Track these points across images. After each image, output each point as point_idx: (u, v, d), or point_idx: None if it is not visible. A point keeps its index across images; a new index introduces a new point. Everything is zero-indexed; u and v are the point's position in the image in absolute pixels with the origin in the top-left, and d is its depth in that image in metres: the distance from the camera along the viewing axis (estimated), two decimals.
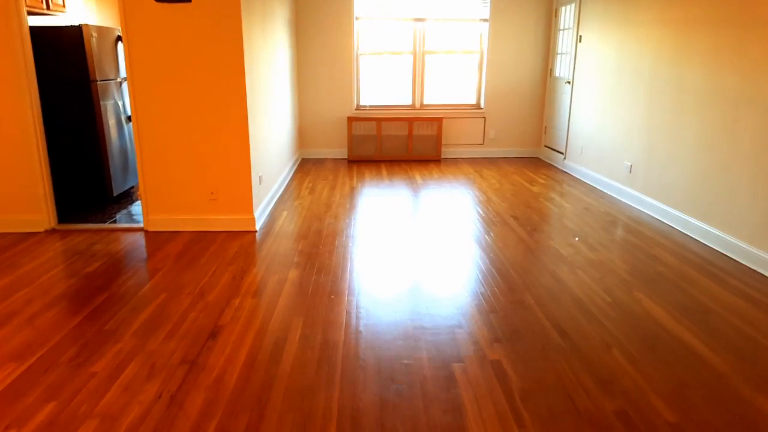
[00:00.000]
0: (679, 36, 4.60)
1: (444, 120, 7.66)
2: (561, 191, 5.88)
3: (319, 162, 7.51)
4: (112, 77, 5.28)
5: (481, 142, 7.82)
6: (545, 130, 7.70)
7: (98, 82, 5.01)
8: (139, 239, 4.34)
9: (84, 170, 5.20)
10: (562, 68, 7.11)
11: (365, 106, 7.74)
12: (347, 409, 2.26)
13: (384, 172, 6.88)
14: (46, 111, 5.01)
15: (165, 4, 4.09)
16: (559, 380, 2.46)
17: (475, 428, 2.15)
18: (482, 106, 7.74)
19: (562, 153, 7.07)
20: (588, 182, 6.26)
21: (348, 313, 3.10)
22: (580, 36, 6.48)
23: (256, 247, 4.17)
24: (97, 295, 3.33)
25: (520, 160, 7.64)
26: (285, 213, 5.07)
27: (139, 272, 3.68)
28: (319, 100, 7.59)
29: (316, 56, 7.43)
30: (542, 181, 6.34)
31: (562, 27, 7.09)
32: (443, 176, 6.62)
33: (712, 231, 4.17)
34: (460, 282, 3.53)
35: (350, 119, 7.49)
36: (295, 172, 6.83)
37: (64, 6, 5.37)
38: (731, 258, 3.94)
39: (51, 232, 4.51)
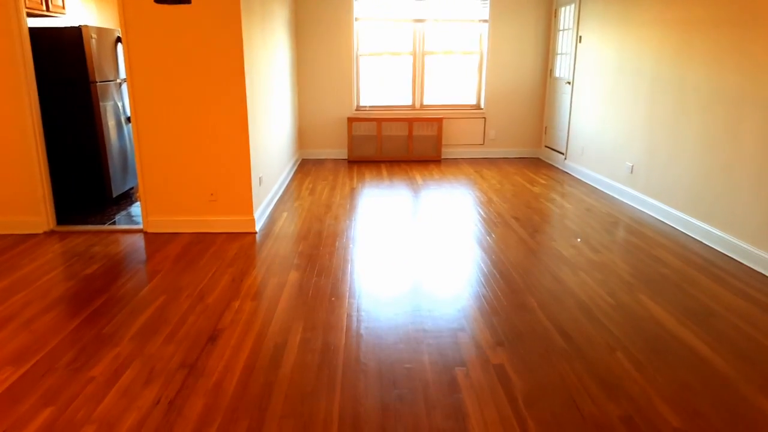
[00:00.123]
0: (680, 36, 4.57)
1: (444, 120, 7.64)
2: (562, 192, 5.85)
3: (319, 162, 7.48)
4: (111, 78, 5.25)
5: (482, 143, 7.80)
6: (545, 130, 7.67)
7: (98, 83, 4.98)
8: (139, 241, 4.31)
9: (83, 171, 5.17)
10: (562, 68, 7.08)
11: (365, 107, 7.71)
12: (348, 415, 2.23)
13: (384, 172, 6.85)
14: (46, 112, 4.98)
15: (165, 6, 4.07)
16: (563, 384, 2.43)
17: None
18: (482, 106, 7.71)
19: (562, 153, 7.04)
20: (589, 183, 6.23)
21: (349, 315, 3.07)
22: (580, 36, 6.45)
23: (255, 248, 4.14)
24: (95, 297, 3.30)
25: (520, 161, 7.62)
26: (285, 214, 5.04)
27: (138, 274, 3.65)
28: (319, 101, 7.56)
29: (316, 57, 7.41)
30: (543, 182, 6.31)
31: (561, 27, 7.06)
32: (444, 177, 6.59)
33: (715, 232, 4.14)
34: (462, 284, 3.50)
35: (350, 120, 7.46)
36: (295, 173, 6.80)
37: (63, 7, 5.35)
38: (733, 259, 3.92)
39: (50, 233, 4.48)
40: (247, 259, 3.92)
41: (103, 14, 6.28)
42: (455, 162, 7.53)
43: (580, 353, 2.68)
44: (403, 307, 3.18)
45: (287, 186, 6.14)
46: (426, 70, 7.63)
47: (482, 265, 3.82)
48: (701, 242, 4.27)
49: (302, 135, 7.69)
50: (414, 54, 7.56)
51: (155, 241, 4.31)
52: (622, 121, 5.53)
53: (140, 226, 4.60)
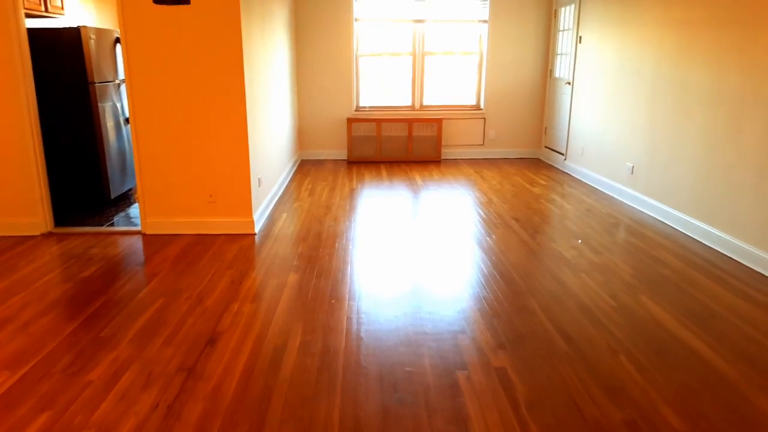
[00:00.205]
0: (681, 36, 4.56)
1: (444, 121, 7.62)
2: (562, 192, 5.83)
3: (318, 163, 7.46)
4: (110, 79, 5.22)
5: (481, 143, 7.78)
6: (545, 130, 7.65)
7: (96, 84, 4.96)
8: (137, 242, 4.29)
9: (81, 172, 5.14)
10: (562, 69, 7.06)
11: (365, 107, 7.69)
12: (349, 419, 2.21)
13: (384, 173, 6.83)
14: (44, 113, 4.95)
15: (164, 6, 4.04)
16: (565, 388, 2.41)
17: None
18: (482, 106, 7.69)
19: (562, 154, 7.03)
20: (589, 183, 6.21)
21: (349, 318, 3.05)
22: (580, 37, 6.43)
23: (255, 250, 4.12)
24: (93, 300, 3.28)
25: (520, 161, 7.60)
26: (284, 215, 5.01)
27: (136, 276, 3.62)
28: (318, 101, 7.54)
29: (316, 57, 7.38)
30: (543, 182, 6.29)
31: (561, 28, 7.05)
32: (443, 177, 6.57)
33: (716, 233, 4.12)
34: (462, 286, 3.48)
35: (350, 120, 7.44)
36: (294, 174, 6.78)
37: (62, 8, 5.32)
38: (734, 260, 3.90)
39: (47, 235, 4.45)
40: (247, 261, 3.89)
41: (102, 15, 6.25)
42: (455, 163, 7.51)
43: (581, 355, 2.66)
44: (403, 309, 3.15)
45: (286, 187, 6.12)
46: (426, 70, 7.61)
47: (482, 266, 3.80)
48: (702, 243, 4.25)
49: (302, 135, 7.67)
50: (414, 54, 7.54)
51: (154, 242, 4.29)
52: (623, 122, 5.51)
53: (139, 228, 4.57)
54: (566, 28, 6.89)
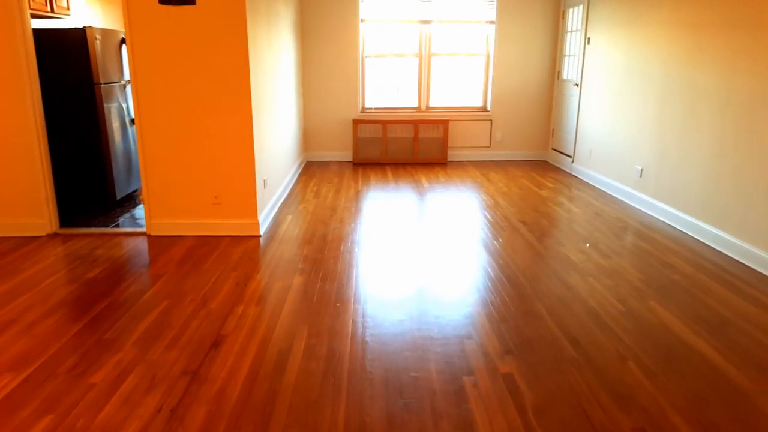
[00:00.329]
0: (690, 38, 4.51)
1: (450, 122, 7.58)
2: (570, 195, 5.79)
3: (324, 165, 7.44)
4: (116, 80, 5.22)
5: (488, 145, 7.74)
6: (552, 133, 7.61)
7: (102, 85, 4.95)
8: (142, 244, 4.27)
9: (87, 173, 5.14)
10: (569, 70, 7.02)
11: (370, 109, 7.67)
12: (354, 425, 2.18)
13: (389, 175, 6.80)
14: (50, 114, 4.95)
15: (169, 7, 4.03)
16: (573, 394, 2.37)
17: None
18: (488, 108, 7.65)
19: (570, 156, 6.98)
20: (597, 186, 6.16)
21: (354, 322, 3.02)
22: (589, 38, 6.39)
23: (260, 252, 4.10)
24: (97, 302, 3.27)
25: (527, 163, 7.55)
26: (289, 217, 4.99)
27: (141, 278, 3.61)
28: (324, 103, 7.52)
29: (322, 58, 7.37)
30: (550, 185, 6.25)
31: (569, 29, 7.00)
32: (450, 179, 6.54)
33: (726, 237, 4.07)
34: (469, 290, 3.45)
35: (355, 122, 7.42)
36: (299, 175, 6.76)
37: (68, 8, 5.32)
38: (746, 265, 3.85)
39: (52, 236, 4.45)
40: (252, 263, 3.87)
41: (108, 15, 6.26)
42: (461, 165, 7.48)
43: (590, 362, 2.62)
44: (409, 313, 3.12)
45: (292, 188, 6.10)
46: (432, 71, 7.58)
47: (489, 270, 3.77)
48: (712, 247, 4.20)
49: (307, 137, 7.65)
50: (420, 55, 7.51)
51: (158, 244, 4.27)
52: (631, 124, 5.47)
53: (144, 229, 4.56)
54: (574, 29, 6.85)
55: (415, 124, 7.43)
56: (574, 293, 3.39)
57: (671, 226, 4.72)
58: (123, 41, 5.37)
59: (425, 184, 6.33)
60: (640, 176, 5.29)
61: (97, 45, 4.87)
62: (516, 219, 4.94)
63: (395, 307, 3.20)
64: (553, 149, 7.59)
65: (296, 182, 6.41)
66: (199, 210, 4.44)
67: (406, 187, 6.14)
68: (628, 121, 5.52)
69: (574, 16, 6.83)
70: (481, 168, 7.23)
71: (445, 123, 7.44)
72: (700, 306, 3.23)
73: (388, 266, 3.83)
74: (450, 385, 2.44)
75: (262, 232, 4.53)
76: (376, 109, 7.67)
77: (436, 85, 7.64)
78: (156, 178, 4.38)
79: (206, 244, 4.27)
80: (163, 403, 2.32)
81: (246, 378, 2.50)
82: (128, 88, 5.49)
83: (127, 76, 5.46)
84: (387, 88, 7.69)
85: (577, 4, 6.70)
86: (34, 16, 4.85)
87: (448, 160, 7.71)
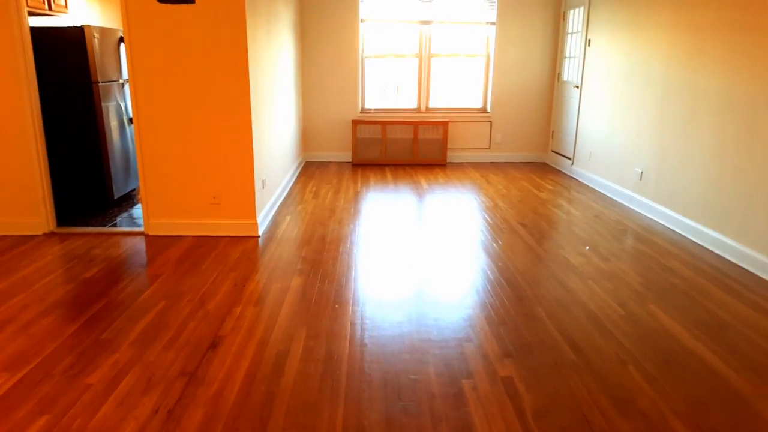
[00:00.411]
0: (691, 40, 4.50)
1: (450, 124, 7.57)
2: (569, 198, 5.78)
3: (323, 165, 7.42)
4: (114, 79, 5.20)
5: (487, 147, 7.73)
6: (552, 134, 7.60)
7: (100, 84, 4.93)
8: (139, 243, 4.25)
9: (85, 172, 5.11)
10: (570, 72, 7.01)
11: (370, 109, 7.65)
12: (352, 427, 2.17)
13: (389, 176, 6.78)
14: (47, 112, 4.92)
15: (168, 5, 4.01)
16: (573, 399, 2.36)
17: None
18: (488, 110, 7.64)
19: (569, 158, 6.97)
20: (597, 189, 6.15)
21: (352, 324, 3.00)
22: (589, 40, 6.38)
23: (258, 253, 4.08)
24: (94, 301, 3.24)
25: (526, 165, 7.54)
26: (288, 218, 4.97)
27: (138, 278, 3.59)
28: (323, 103, 7.50)
29: (321, 58, 7.35)
30: (550, 187, 6.23)
31: (570, 30, 7.00)
32: (449, 181, 6.53)
33: (727, 241, 4.06)
34: (468, 292, 3.43)
35: (355, 122, 7.40)
36: (298, 176, 6.75)
37: (66, 6, 5.30)
38: (745, 269, 3.83)
39: (50, 235, 4.42)
40: (250, 264, 3.85)
41: (106, 14, 6.24)
42: (461, 166, 7.46)
43: (590, 366, 2.61)
44: (407, 316, 3.11)
45: (291, 189, 6.08)
46: (432, 72, 7.57)
47: (488, 272, 3.75)
48: (712, 251, 4.19)
49: (306, 137, 7.63)
50: (420, 56, 7.50)
51: (156, 244, 4.25)
52: (632, 127, 5.46)
53: (141, 229, 4.54)
54: (575, 30, 6.84)
55: (415, 125, 7.41)
56: (573, 296, 3.38)
57: (671, 229, 4.71)
58: (121, 40, 5.35)
59: (424, 185, 6.31)
60: (640, 179, 5.28)
61: (95, 43, 4.85)
62: (515, 221, 4.92)
63: (394, 309, 3.18)
64: (552, 151, 7.58)
65: (295, 182, 6.39)
66: (198, 210, 4.42)
67: (405, 189, 6.13)
68: (629, 124, 5.51)
69: (575, 17, 6.82)
70: (481, 170, 7.22)
71: (444, 124, 7.43)
72: (699, 310, 3.22)
73: (387, 268, 3.81)
74: (449, 388, 2.42)
75: (260, 232, 4.51)
76: (375, 109, 7.66)
77: (435, 86, 7.63)
78: (154, 178, 4.35)
79: (204, 244, 4.25)
80: (160, 404, 2.30)
81: (244, 380, 2.48)
82: (126, 87, 5.47)
83: (125, 74, 5.44)
84: (387, 89, 7.68)
85: (578, 6, 6.69)
86: (31, 14, 4.83)
87: (448, 161, 7.69)
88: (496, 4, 7.26)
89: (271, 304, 3.24)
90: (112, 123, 5.16)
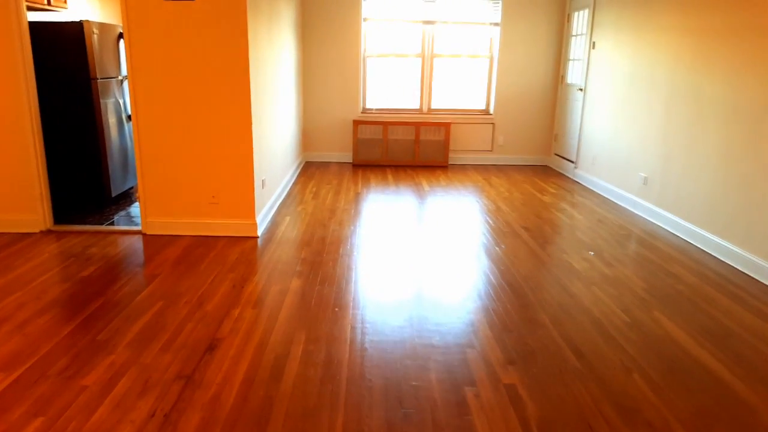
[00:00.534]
0: (698, 44, 4.46)
1: (452, 125, 7.52)
2: (572, 202, 5.74)
3: (323, 165, 7.38)
4: (113, 75, 5.15)
5: (490, 149, 7.68)
6: (555, 137, 7.56)
7: (99, 80, 4.88)
8: (137, 243, 4.20)
9: (82, 170, 5.06)
10: (574, 75, 6.97)
11: (371, 110, 7.61)
12: None
13: (390, 177, 6.74)
14: (45, 108, 4.88)
15: (168, 2, 3.96)
16: (577, 407, 2.31)
17: None
18: (491, 111, 7.60)
19: (573, 162, 6.93)
20: (600, 193, 6.11)
21: (353, 328, 2.96)
22: (594, 42, 6.34)
23: (257, 253, 4.03)
24: (91, 301, 3.20)
25: (529, 168, 7.50)
26: (288, 218, 4.93)
27: (135, 278, 3.54)
28: (324, 102, 7.46)
29: (323, 57, 7.30)
30: (553, 191, 6.19)
31: (574, 33, 6.96)
32: (451, 183, 6.48)
33: (731, 248, 4.02)
34: (471, 297, 3.38)
35: (356, 122, 7.35)
36: (298, 176, 6.70)
37: (65, 1, 5.25)
38: (750, 276, 3.79)
39: (46, 233, 4.37)
40: (249, 265, 3.81)
41: (106, 9, 6.19)
42: (462, 168, 7.42)
43: (594, 374, 2.56)
44: (409, 320, 3.06)
45: (290, 189, 6.04)
46: (434, 73, 7.52)
47: (491, 276, 3.71)
48: (717, 258, 4.14)
49: (307, 137, 7.58)
50: (422, 56, 7.45)
51: (154, 243, 4.20)
52: (636, 131, 5.42)
53: (139, 228, 4.49)
54: (579, 33, 6.80)
55: (417, 126, 7.37)
56: (577, 302, 3.33)
57: (675, 234, 4.67)
58: (120, 36, 5.30)
59: (426, 187, 6.27)
60: (644, 184, 5.23)
61: (94, 39, 4.80)
62: (518, 225, 4.88)
63: (395, 313, 3.14)
64: (555, 154, 7.54)
65: (295, 183, 6.34)
66: (196, 209, 4.37)
67: (406, 190, 6.08)
68: (633, 128, 5.47)
69: (580, 19, 6.78)
70: (483, 172, 7.18)
71: (446, 125, 7.38)
72: (704, 317, 3.17)
73: (387, 271, 3.76)
74: (451, 396, 2.37)
75: (259, 233, 4.46)
76: (377, 110, 7.61)
77: (438, 87, 7.58)
78: (152, 176, 4.30)
79: (203, 244, 4.20)
80: (157, 407, 2.25)
81: (242, 384, 2.43)
82: (125, 84, 5.42)
83: (124, 71, 5.39)
84: (388, 89, 7.63)
85: (583, 8, 6.65)
86: (30, 8, 4.77)
87: (450, 163, 7.65)
88: (500, 5, 7.22)
89: (270, 306, 3.20)
90: (111, 120, 5.11)
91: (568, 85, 7.15)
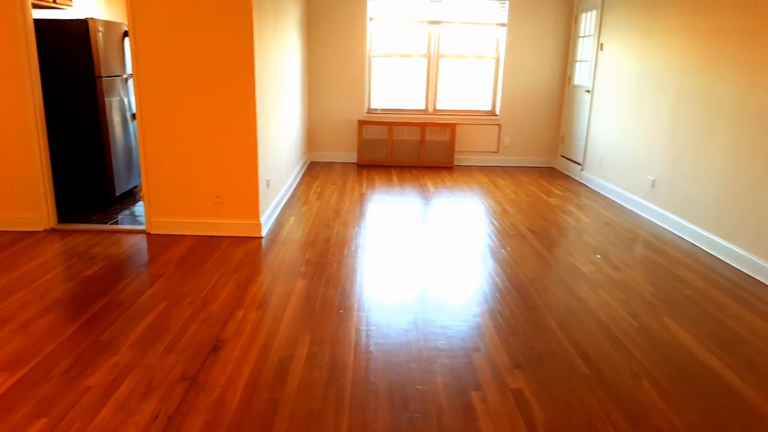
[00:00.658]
0: (707, 46, 4.42)
1: (457, 126, 7.49)
2: (579, 204, 5.70)
3: (328, 166, 7.35)
4: (118, 73, 5.13)
5: (495, 150, 7.65)
6: (562, 139, 7.52)
7: (103, 78, 4.87)
8: (141, 242, 4.18)
9: (86, 168, 5.05)
10: (581, 76, 6.93)
11: (377, 110, 7.58)
12: None
13: (395, 178, 6.71)
14: (49, 106, 4.86)
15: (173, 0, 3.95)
16: (585, 413, 2.28)
17: None
18: (497, 112, 7.57)
19: (579, 164, 6.89)
20: (607, 195, 6.07)
21: (358, 330, 2.93)
22: (602, 44, 6.30)
23: (261, 254, 4.01)
24: (95, 301, 3.18)
25: (535, 170, 7.46)
26: (292, 219, 4.90)
27: (139, 278, 3.52)
28: (329, 102, 7.43)
29: (328, 57, 7.28)
30: (559, 193, 6.15)
31: (582, 34, 6.92)
32: (456, 184, 6.45)
33: (740, 252, 3.98)
34: (476, 299, 3.35)
35: (361, 122, 7.33)
36: (303, 176, 6.68)
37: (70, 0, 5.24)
38: (759, 281, 3.75)
39: (50, 231, 4.36)
40: (253, 266, 3.78)
41: (111, 7, 6.18)
42: (468, 169, 7.38)
43: (602, 379, 2.53)
44: (414, 323, 3.03)
45: (295, 189, 6.01)
46: (440, 73, 7.49)
47: (497, 279, 3.68)
48: (725, 262, 4.10)
49: (311, 137, 7.56)
50: (428, 56, 7.42)
51: (158, 242, 4.18)
52: (644, 133, 5.37)
53: (143, 227, 4.47)
54: (587, 34, 6.76)
55: (422, 126, 7.34)
56: (584, 306, 3.30)
57: (682, 238, 4.63)
58: (125, 34, 5.28)
59: (431, 188, 6.24)
60: (652, 187, 5.19)
61: (99, 37, 4.78)
62: (524, 227, 4.84)
63: (400, 316, 3.11)
64: (562, 156, 7.49)
65: (299, 183, 6.32)
66: (200, 209, 4.35)
67: (411, 191, 6.05)
68: (641, 130, 5.43)
69: (587, 20, 6.74)
70: (488, 173, 7.14)
71: (452, 126, 7.35)
72: (713, 323, 3.14)
73: (392, 272, 3.74)
74: (457, 400, 2.34)
75: (263, 233, 4.44)
76: (382, 110, 7.58)
77: (444, 88, 7.55)
78: (157, 175, 4.29)
79: (206, 244, 4.18)
80: (160, 410, 2.23)
81: (246, 386, 2.41)
82: (130, 82, 5.41)
83: (129, 69, 5.37)
84: (394, 89, 7.60)
85: (591, 9, 6.61)
86: (35, 6, 4.77)
87: (455, 164, 7.61)
88: (506, 5, 7.18)
89: (275, 307, 3.17)
90: (115, 119, 5.09)
91: (575, 86, 7.11)
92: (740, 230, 4.00)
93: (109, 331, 2.85)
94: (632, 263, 4.03)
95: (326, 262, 3.87)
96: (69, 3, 5.20)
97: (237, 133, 4.20)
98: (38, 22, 4.61)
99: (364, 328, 2.96)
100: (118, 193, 5.16)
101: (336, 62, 7.30)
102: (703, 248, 4.37)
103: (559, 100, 7.50)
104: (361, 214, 5.11)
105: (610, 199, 5.90)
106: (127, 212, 4.93)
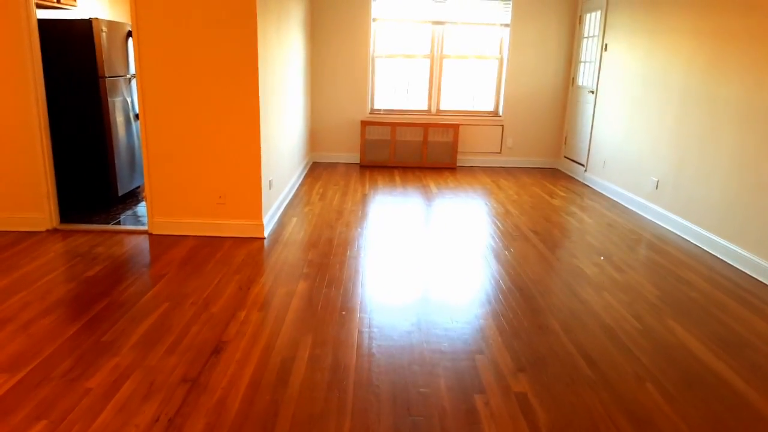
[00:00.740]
0: (712, 47, 4.40)
1: (460, 127, 7.47)
2: (582, 205, 5.67)
3: (330, 166, 7.34)
4: (121, 73, 5.13)
5: (498, 151, 7.63)
6: (565, 140, 7.49)
7: (107, 78, 4.86)
8: (143, 242, 4.18)
9: (89, 168, 5.04)
10: (585, 77, 6.90)
11: (380, 110, 7.56)
12: None
13: (397, 178, 6.69)
14: (53, 106, 4.86)
15: (177, 0, 3.93)
16: (589, 417, 2.26)
17: None
18: (500, 113, 7.54)
19: (582, 165, 6.86)
20: (610, 196, 6.04)
21: (360, 332, 2.91)
22: (606, 44, 6.27)
23: (264, 255, 4.00)
24: (96, 301, 3.17)
25: (538, 171, 7.44)
26: (294, 219, 4.89)
27: (141, 278, 3.51)
28: (332, 103, 7.42)
29: (331, 57, 7.27)
30: (562, 194, 6.13)
31: (586, 35, 6.89)
32: (459, 185, 6.43)
33: (745, 254, 3.95)
34: (480, 301, 3.34)
35: (364, 123, 7.31)
36: (305, 177, 6.66)
37: (74, 0, 5.24)
38: (764, 283, 3.72)
39: (52, 231, 4.35)
40: (255, 266, 3.77)
41: (115, 7, 6.17)
42: (471, 170, 7.36)
43: (607, 383, 2.51)
44: (417, 324, 3.02)
45: (297, 190, 6.00)
46: (443, 73, 7.47)
47: (500, 281, 3.66)
48: (730, 264, 4.08)
49: (314, 137, 7.55)
50: (432, 57, 7.41)
51: (160, 243, 4.17)
52: (648, 135, 5.35)
53: (145, 227, 4.46)
54: (591, 35, 6.74)
55: (425, 127, 7.32)
56: (588, 308, 3.28)
57: (686, 240, 4.61)
58: (129, 34, 5.28)
59: (434, 189, 6.22)
60: (656, 188, 5.17)
61: (102, 37, 4.78)
62: (527, 228, 4.82)
63: (403, 317, 3.09)
64: (565, 157, 7.47)
65: (302, 183, 6.31)
66: (203, 209, 4.34)
67: (414, 192, 6.04)
68: (645, 132, 5.41)
69: (592, 21, 6.71)
70: (491, 174, 7.12)
71: (455, 127, 7.33)
72: (719, 326, 3.11)
73: (395, 274, 3.72)
74: (461, 403, 2.33)
75: (266, 234, 4.43)
76: (385, 110, 7.57)
77: (447, 88, 7.53)
78: (159, 176, 4.28)
79: (209, 244, 4.17)
80: (161, 412, 2.22)
81: (247, 388, 2.39)
82: (133, 83, 5.40)
83: (132, 69, 5.37)
84: (397, 90, 7.58)
85: (595, 10, 6.59)
86: (39, 6, 4.76)
87: (458, 165, 7.60)
88: (510, 6, 7.16)
89: (277, 308, 3.16)
90: (118, 119, 5.09)
91: (578, 87, 7.09)
92: (745, 232, 3.98)
93: (111, 332, 2.83)
94: (636, 265, 4.00)
95: (328, 263, 3.86)
96: (73, 3, 5.20)
97: (240, 134, 4.19)
98: (42, 22, 4.61)
99: (367, 329, 2.94)
100: (120, 194, 5.15)
101: (339, 62, 7.29)
102: (707, 250, 4.35)
103: (563, 101, 7.48)
104: (364, 215, 5.09)
105: (614, 201, 5.88)
106: (129, 212, 4.93)
